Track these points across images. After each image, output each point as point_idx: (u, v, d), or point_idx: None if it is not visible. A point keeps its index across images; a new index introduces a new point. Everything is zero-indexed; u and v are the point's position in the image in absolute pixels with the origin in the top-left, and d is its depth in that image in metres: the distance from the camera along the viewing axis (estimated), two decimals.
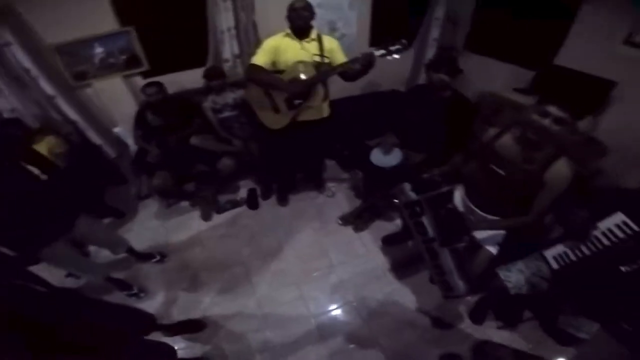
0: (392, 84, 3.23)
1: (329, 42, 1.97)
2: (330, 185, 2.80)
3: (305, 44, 1.91)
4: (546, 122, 1.31)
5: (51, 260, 1.61)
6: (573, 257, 1.43)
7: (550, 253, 1.52)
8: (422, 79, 2.97)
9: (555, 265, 1.48)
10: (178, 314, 1.90)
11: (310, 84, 1.88)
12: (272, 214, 2.58)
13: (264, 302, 1.97)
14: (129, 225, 2.48)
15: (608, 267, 1.29)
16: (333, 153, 3.01)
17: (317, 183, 2.75)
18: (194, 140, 2.31)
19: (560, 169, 1.38)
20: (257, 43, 2.46)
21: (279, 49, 1.92)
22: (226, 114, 2.46)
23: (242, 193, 2.72)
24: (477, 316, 1.89)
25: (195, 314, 1.89)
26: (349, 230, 2.45)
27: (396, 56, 1.68)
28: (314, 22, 2.78)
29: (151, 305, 1.94)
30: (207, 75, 2.41)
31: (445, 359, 1.73)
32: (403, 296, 2.02)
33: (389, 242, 2.31)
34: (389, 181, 1.99)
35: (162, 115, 2.30)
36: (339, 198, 2.73)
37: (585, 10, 2.24)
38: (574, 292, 1.46)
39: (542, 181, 1.41)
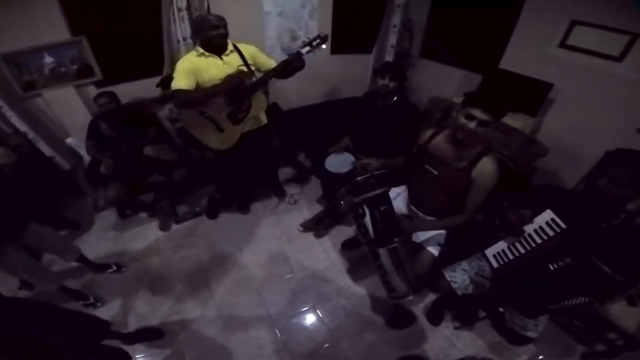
0: (353, 90, 3.27)
1: (247, 49, 1.91)
2: (293, 192, 2.78)
3: (225, 57, 1.83)
4: (472, 125, 1.34)
5: (3, 265, 1.56)
6: (510, 256, 1.44)
7: (490, 252, 1.53)
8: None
9: (495, 264, 1.49)
10: (136, 322, 1.85)
11: (254, 89, 1.84)
12: (232, 222, 2.53)
13: (224, 309, 1.93)
14: (84, 237, 2.39)
15: (538, 265, 1.30)
16: (290, 161, 3.00)
17: (276, 191, 2.73)
18: (148, 151, 2.25)
19: (486, 166, 1.41)
20: None
21: (198, 68, 1.78)
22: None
23: (203, 202, 2.65)
24: (433, 317, 1.90)
25: (153, 322, 1.84)
26: (309, 236, 2.43)
27: (321, 48, 1.79)
28: (275, 30, 2.87)
29: (107, 314, 1.87)
30: (162, 84, 2.38)
31: None
32: (361, 299, 2.02)
33: (348, 247, 2.31)
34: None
35: (116, 126, 2.24)
36: (301, 205, 2.71)
37: (525, 15, 2.34)
38: (511, 291, 1.47)
39: (470, 178, 1.45)
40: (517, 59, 2.45)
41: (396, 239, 1.45)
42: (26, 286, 1.97)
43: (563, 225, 1.27)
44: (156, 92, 2.50)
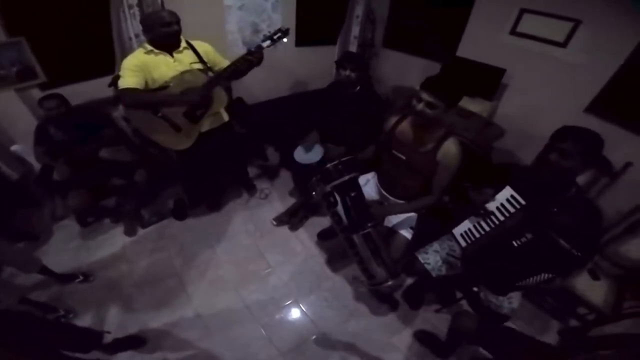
0: (320, 82, 3.21)
1: (202, 46, 1.82)
2: (263, 187, 2.71)
3: (177, 55, 1.72)
4: (420, 106, 1.38)
5: None
6: (476, 234, 1.47)
7: (458, 231, 1.55)
8: None
9: (463, 243, 1.52)
10: (115, 332, 1.71)
11: (209, 88, 1.74)
12: (202, 222, 2.41)
13: (203, 310, 1.84)
14: (44, 248, 2.18)
15: (503, 242, 1.32)
16: (258, 155, 2.91)
17: (245, 186, 2.65)
18: (104, 154, 2.06)
19: (450, 148, 1.45)
20: None
21: (147, 66, 1.66)
22: None
23: (169, 204, 2.50)
24: (412, 301, 1.93)
25: (132, 330, 1.73)
26: (284, 229, 2.38)
27: (282, 42, 1.74)
28: (236, 24, 2.73)
29: (82, 325, 1.71)
30: (114, 84, 2.18)
31: (419, 335, 1.78)
32: (343, 288, 2.02)
33: (324, 237, 2.28)
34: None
35: (66, 129, 2.03)
36: (272, 199, 2.64)
37: (479, 3, 2.41)
38: (480, 269, 1.49)
39: (436, 161, 1.48)
40: (472, 46, 2.53)
41: (369, 224, 1.46)
42: None
43: (522, 202, 1.31)
44: (109, 92, 2.30)
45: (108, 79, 2.25)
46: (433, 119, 1.41)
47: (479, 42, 2.48)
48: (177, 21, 1.66)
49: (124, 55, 2.30)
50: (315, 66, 3.19)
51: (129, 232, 2.27)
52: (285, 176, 2.83)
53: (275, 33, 1.72)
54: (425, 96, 1.36)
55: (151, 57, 1.66)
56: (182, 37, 1.75)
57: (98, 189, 2.15)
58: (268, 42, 1.71)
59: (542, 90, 2.22)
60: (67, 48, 2.22)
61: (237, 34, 2.73)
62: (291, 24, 2.91)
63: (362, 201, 1.52)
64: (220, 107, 1.83)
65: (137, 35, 2.26)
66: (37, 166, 2.25)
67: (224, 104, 1.83)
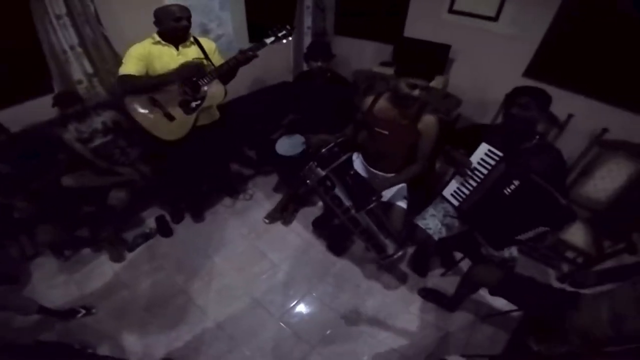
0: (280, 76, 3.19)
1: (208, 43, 1.83)
2: (246, 187, 2.63)
3: (182, 49, 1.73)
4: (416, 92, 1.50)
5: None
6: (466, 191, 1.58)
7: (447, 192, 1.66)
8: (305, 66, 3.03)
9: (455, 203, 1.62)
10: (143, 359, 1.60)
11: (207, 72, 1.69)
12: (191, 235, 2.28)
13: (222, 322, 1.77)
14: (29, 289, 1.91)
15: (495, 193, 1.45)
16: (237, 156, 2.83)
17: (228, 190, 2.56)
18: (68, 181, 1.81)
19: (428, 117, 1.61)
20: (116, 57, 2.09)
21: (151, 55, 1.68)
22: (98, 141, 1.99)
23: (150, 222, 2.31)
24: (419, 269, 2.03)
25: (159, 354, 1.62)
26: (278, 226, 2.36)
27: (284, 41, 1.72)
28: None
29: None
30: (58, 103, 1.89)
31: (423, 293, 1.89)
32: (352, 270, 2.06)
33: (318, 225, 2.31)
34: (302, 167, 1.98)
35: (14, 161, 1.75)
36: (258, 198, 2.59)
37: None
38: (479, 223, 1.59)
39: (417, 131, 1.61)
40: (417, 26, 2.70)
41: (373, 198, 1.52)
42: None
43: (499, 153, 1.46)
44: (53, 112, 1.99)
45: (48, 99, 1.95)
46: (420, 100, 1.53)
47: (422, 23, 2.65)
48: (188, 17, 1.67)
49: (61, 70, 2.03)
50: (272, 60, 3.13)
51: (115, 258, 2.06)
52: (265, 173, 2.78)
53: (279, 30, 1.69)
54: (420, 82, 1.48)
55: (157, 48, 1.69)
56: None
57: (69, 219, 1.91)
58: (272, 39, 1.69)
59: (485, 61, 2.47)
60: None
61: None
62: (242, 21, 2.80)
63: (361, 178, 1.58)
64: (216, 101, 1.79)
65: (72, 47, 1.99)
66: None
67: (221, 98, 1.79)
